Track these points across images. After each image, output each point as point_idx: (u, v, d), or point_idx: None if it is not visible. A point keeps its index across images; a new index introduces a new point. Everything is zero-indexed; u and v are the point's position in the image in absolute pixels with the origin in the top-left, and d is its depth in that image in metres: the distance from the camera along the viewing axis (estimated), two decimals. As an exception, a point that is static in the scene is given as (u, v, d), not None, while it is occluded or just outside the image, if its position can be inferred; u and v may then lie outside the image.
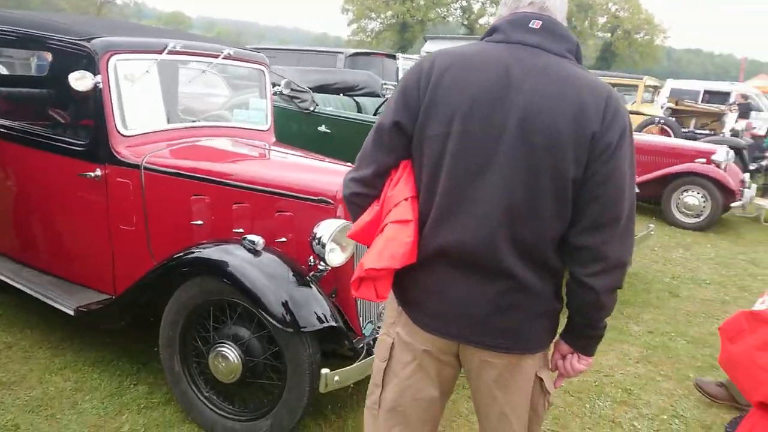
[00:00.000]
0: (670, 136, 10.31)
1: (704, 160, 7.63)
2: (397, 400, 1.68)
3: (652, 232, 5.40)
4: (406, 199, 1.53)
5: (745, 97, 13.76)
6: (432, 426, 1.74)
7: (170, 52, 3.38)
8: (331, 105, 5.67)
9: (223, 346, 2.67)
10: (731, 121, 10.72)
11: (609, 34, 58.17)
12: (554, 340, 1.66)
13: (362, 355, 2.65)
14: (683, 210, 7.75)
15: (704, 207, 7.60)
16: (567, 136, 1.40)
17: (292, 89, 5.54)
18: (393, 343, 1.67)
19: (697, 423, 3.19)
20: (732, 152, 8.06)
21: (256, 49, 7.25)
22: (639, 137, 8.53)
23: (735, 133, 10.52)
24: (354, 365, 2.53)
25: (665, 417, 3.23)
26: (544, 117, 1.40)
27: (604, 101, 1.42)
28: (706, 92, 20.88)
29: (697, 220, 7.61)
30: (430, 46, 18.78)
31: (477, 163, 1.45)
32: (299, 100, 5.58)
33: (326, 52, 11.40)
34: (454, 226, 1.48)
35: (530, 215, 1.44)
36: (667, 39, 60.21)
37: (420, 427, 1.70)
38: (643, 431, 3.10)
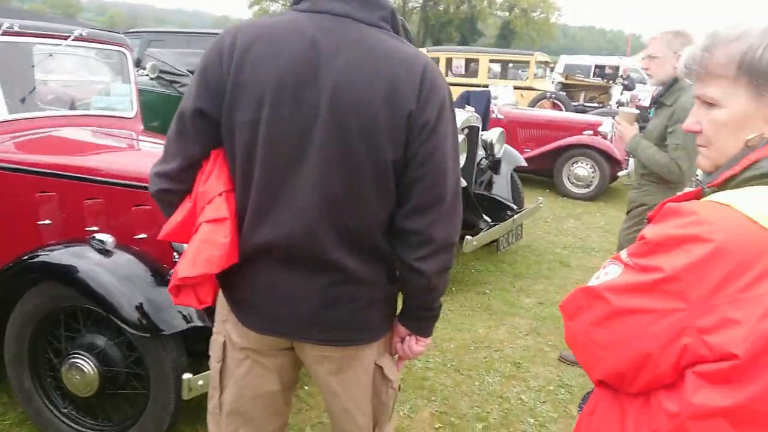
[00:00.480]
0: (561, 110, 10.65)
1: (591, 132, 7.90)
2: (236, 402, 1.56)
3: (541, 205, 5.51)
4: (220, 195, 1.38)
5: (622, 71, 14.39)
6: (279, 420, 1.65)
7: (6, 33, 3.03)
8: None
9: (77, 357, 2.43)
10: (617, 93, 11.20)
11: (507, 13, 59.74)
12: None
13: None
14: (574, 181, 8.01)
15: (593, 177, 7.89)
16: (382, 117, 1.29)
17: (162, 72, 5.21)
18: (225, 342, 1.54)
19: (582, 391, 3.25)
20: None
21: (136, 32, 6.81)
22: (531, 112, 8.74)
23: (621, 105, 11.00)
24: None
25: (551, 388, 3.28)
26: (357, 97, 1.29)
27: (420, 76, 1.32)
28: (596, 67, 21.97)
29: (587, 190, 7.88)
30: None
31: (290, 152, 1.32)
32: (179, 85, 5.26)
33: (214, 34, 10.92)
34: (273, 222, 1.35)
35: (352, 203, 1.34)
36: (561, 17, 62.54)
37: (265, 424, 1.60)
38: (530, 404, 3.12)
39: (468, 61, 11.49)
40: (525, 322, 4.06)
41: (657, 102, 3.05)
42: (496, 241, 4.65)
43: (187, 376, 2.28)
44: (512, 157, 5.56)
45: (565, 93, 11.55)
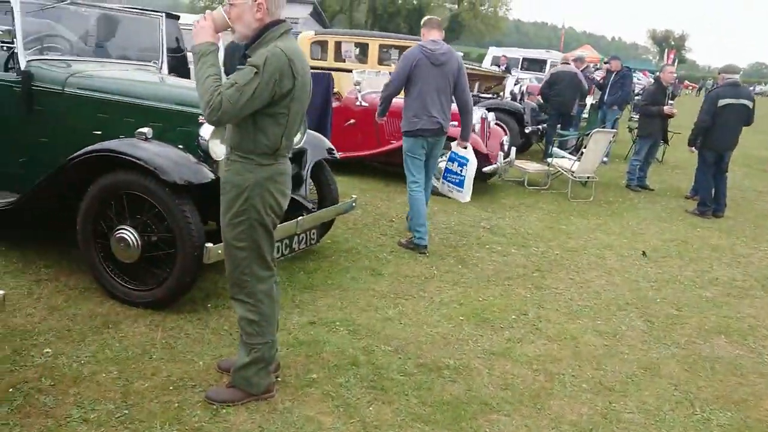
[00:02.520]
0: (451, 100, 10.00)
1: (456, 123, 7.22)
2: None
3: (354, 204, 4.79)
4: None
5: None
6: None
7: None
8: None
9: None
10: (510, 84, 10.62)
11: (455, 5, 59.29)
12: None
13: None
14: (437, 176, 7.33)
15: (458, 172, 7.21)
16: None
17: None
18: None
19: None
20: (490, 114, 7.78)
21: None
22: (396, 100, 8.00)
23: (513, 97, 10.44)
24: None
25: None
26: None
27: None
28: (524, 59, 21.62)
29: (451, 186, 7.20)
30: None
31: None
32: None
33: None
34: None
35: None
36: (509, 11, 62.45)
37: None
38: None
39: (359, 47, 10.74)
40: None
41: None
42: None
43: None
44: (320, 147, 4.81)
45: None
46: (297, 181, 4.56)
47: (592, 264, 5.42)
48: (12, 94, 4.07)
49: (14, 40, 3.97)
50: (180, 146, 3.72)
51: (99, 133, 3.94)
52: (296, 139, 4.47)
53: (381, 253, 5.10)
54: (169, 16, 10.56)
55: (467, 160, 5.59)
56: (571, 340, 3.85)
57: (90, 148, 3.54)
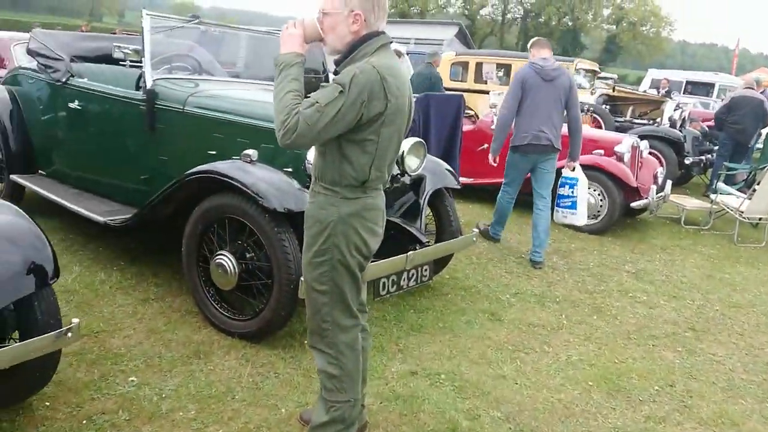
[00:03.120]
0: (600, 126, 9.17)
1: (603, 152, 6.51)
2: None
3: (474, 239, 4.34)
4: None
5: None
6: None
7: None
8: (100, 78, 4.63)
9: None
10: (669, 109, 9.54)
11: (614, 26, 56.50)
12: None
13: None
14: (579, 210, 6.63)
15: (602, 206, 6.49)
16: None
17: (39, 55, 4.55)
18: None
19: None
20: (643, 142, 6.94)
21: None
22: None
23: (672, 123, 9.36)
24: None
25: None
26: None
27: None
28: (688, 83, 19.77)
29: (594, 221, 6.48)
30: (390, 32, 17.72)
31: None
32: (52, 70, 4.57)
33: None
34: None
35: None
36: (673, 31, 58.36)
37: None
38: None
39: (502, 68, 10.26)
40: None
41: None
42: (373, 283, 3.56)
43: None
44: (440, 175, 4.41)
45: (609, 107, 10.00)
46: (413, 212, 4.22)
47: (763, 326, 4.50)
48: (139, 113, 4.13)
49: (142, 59, 4.02)
50: (289, 170, 3.53)
51: (214, 153, 3.87)
52: (413, 164, 4.15)
53: (504, 295, 4.59)
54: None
55: (577, 180, 5.51)
56: (731, 426, 3.11)
57: (195, 169, 3.43)
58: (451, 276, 4.83)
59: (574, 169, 5.45)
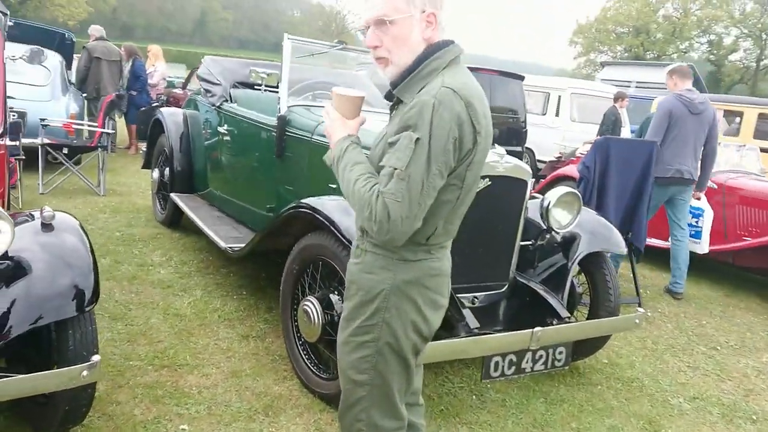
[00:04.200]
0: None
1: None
2: None
3: (637, 321, 3.41)
4: None
5: None
6: None
7: None
8: (250, 103, 4.60)
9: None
10: None
11: None
12: None
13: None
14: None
15: None
16: None
17: (202, 80, 4.66)
18: None
19: None
20: None
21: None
22: (745, 182, 5.97)
23: None
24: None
25: None
26: None
27: None
28: None
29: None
30: (608, 73, 16.42)
31: None
32: (210, 94, 4.66)
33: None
34: None
35: None
36: None
37: None
38: None
39: (730, 115, 8.65)
40: None
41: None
42: (484, 360, 2.89)
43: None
44: (600, 235, 3.56)
45: None
46: (558, 278, 3.45)
47: None
48: (272, 139, 3.97)
49: (279, 84, 3.86)
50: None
51: (334, 186, 3.54)
52: (562, 219, 3.41)
53: (676, 397, 3.54)
54: (509, 75, 10.31)
55: (702, 211, 5.52)
56: None
57: (293, 203, 3.10)
58: (611, 360, 3.90)
59: (699, 199, 5.42)
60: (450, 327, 3.02)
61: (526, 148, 10.46)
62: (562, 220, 3.43)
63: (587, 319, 3.60)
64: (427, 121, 1.53)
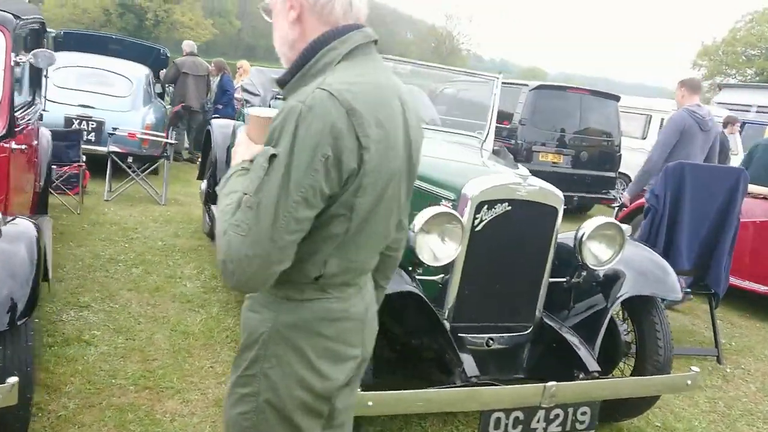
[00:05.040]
0: None
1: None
2: None
3: (689, 382, 2.81)
4: None
5: None
6: None
7: None
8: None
9: None
10: None
11: None
12: None
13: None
14: None
15: None
16: None
17: (244, 91, 4.55)
18: None
19: None
20: None
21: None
22: None
23: None
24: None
25: None
26: None
27: None
28: None
29: None
30: (726, 96, 14.99)
31: None
32: (249, 104, 4.54)
33: (512, 84, 9.95)
34: None
35: None
36: None
37: None
38: None
39: None
40: None
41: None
42: (482, 415, 2.45)
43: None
44: (652, 275, 3.01)
45: None
46: (593, 324, 2.94)
47: None
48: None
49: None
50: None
51: None
52: (602, 255, 2.91)
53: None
54: (602, 94, 9.56)
55: None
56: None
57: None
58: (665, 424, 3.30)
59: None
60: (448, 372, 2.63)
61: (620, 173, 9.65)
62: (600, 255, 2.92)
63: (632, 373, 3.06)
64: (290, 132, 1.17)
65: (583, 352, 2.77)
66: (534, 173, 2.89)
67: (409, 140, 1.37)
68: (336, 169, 1.19)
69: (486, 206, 2.69)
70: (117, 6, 48.57)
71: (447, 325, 2.70)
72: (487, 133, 4.08)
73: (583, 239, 2.86)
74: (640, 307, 3.04)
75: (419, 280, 2.71)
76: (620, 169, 9.55)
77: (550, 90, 9.23)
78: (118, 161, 6.23)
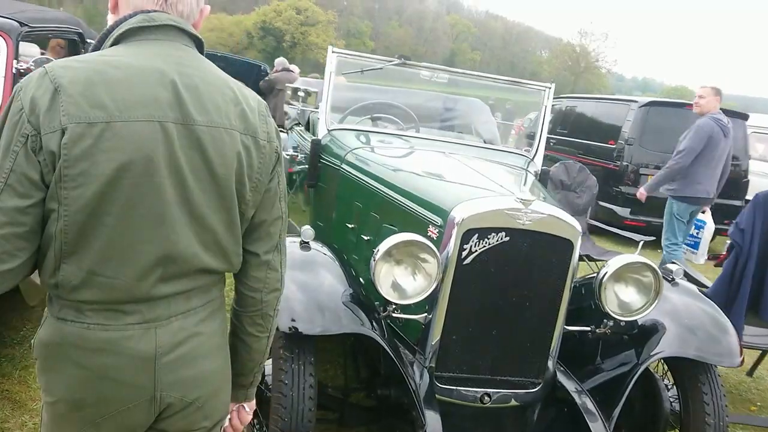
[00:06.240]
0: None
1: None
2: None
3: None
4: None
5: None
6: None
7: None
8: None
9: None
10: None
11: None
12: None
13: None
14: None
15: None
16: None
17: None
18: None
19: None
20: None
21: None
22: None
23: None
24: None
25: None
26: None
27: None
28: None
29: None
30: None
31: None
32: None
33: (619, 100, 9.13)
34: None
35: None
36: None
37: None
38: None
39: None
40: None
41: None
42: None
43: None
44: (702, 336, 2.37)
45: None
46: (615, 387, 2.37)
47: None
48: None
49: (319, 104, 3.37)
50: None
51: (352, 227, 2.94)
52: (634, 303, 2.35)
53: None
54: (728, 113, 8.40)
55: (704, 224, 5.55)
56: None
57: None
58: None
59: (705, 212, 5.51)
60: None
61: (747, 201, 8.44)
62: (628, 303, 2.35)
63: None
64: (4, 112, 1.06)
65: (594, 425, 2.21)
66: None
67: (192, 138, 1.11)
68: (37, 152, 1.03)
69: (476, 235, 2.24)
70: (258, 30, 51.80)
71: (417, 374, 2.27)
72: (536, 151, 3.57)
73: (604, 281, 2.31)
74: (688, 372, 2.42)
75: (398, 319, 2.32)
76: (747, 197, 8.37)
77: (663, 107, 8.30)
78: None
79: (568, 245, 2.30)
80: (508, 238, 2.24)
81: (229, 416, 1.40)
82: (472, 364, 2.36)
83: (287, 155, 4.09)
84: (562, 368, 2.48)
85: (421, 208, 2.45)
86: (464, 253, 2.24)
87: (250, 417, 1.45)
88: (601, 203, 7.73)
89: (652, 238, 5.67)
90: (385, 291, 2.16)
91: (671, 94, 76.37)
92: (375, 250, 2.13)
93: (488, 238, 2.24)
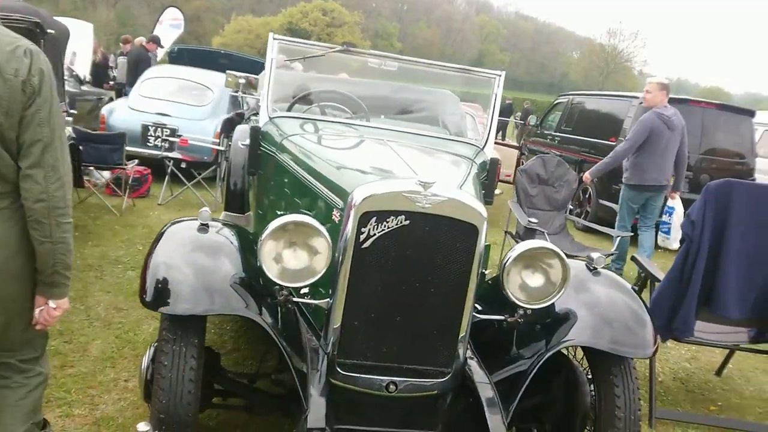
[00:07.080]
0: None
1: None
2: None
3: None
4: None
5: None
6: None
7: None
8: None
9: None
10: None
11: None
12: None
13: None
14: None
15: None
16: None
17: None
18: None
19: None
20: None
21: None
22: None
23: None
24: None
25: None
26: None
27: None
28: None
29: None
30: None
31: None
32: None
33: (620, 96, 8.97)
34: None
35: None
36: None
37: None
38: None
39: None
40: None
41: None
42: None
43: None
44: (618, 327, 2.26)
45: None
46: (517, 381, 2.28)
47: None
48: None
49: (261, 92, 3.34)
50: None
51: (281, 214, 2.90)
52: (536, 291, 2.27)
53: None
54: (733, 109, 8.12)
55: (673, 209, 5.89)
56: None
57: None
58: None
59: (674, 198, 5.90)
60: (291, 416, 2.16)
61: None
62: (535, 289, 2.26)
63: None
64: None
65: (495, 417, 2.13)
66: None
67: None
68: None
69: (375, 218, 2.17)
70: (285, 31, 52.24)
71: (319, 360, 2.22)
72: (486, 140, 3.49)
73: (507, 265, 2.23)
74: (602, 366, 2.32)
75: (301, 304, 2.28)
76: (754, 197, 8.09)
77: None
78: (172, 167, 6.37)
79: (473, 230, 2.22)
80: (408, 222, 2.17)
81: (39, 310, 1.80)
82: (377, 352, 2.29)
83: (242, 145, 4.07)
84: (475, 358, 2.40)
85: (328, 191, 2.41)
86: (362, 237, 2.18)
87: (56, 314, 1.82)
88: (602, 201, 7.57)
89: (630, 234, 5.52)
90: (273, 274, 2.11)
91: (706, 96, 74.69)
92: (262, 233, 2.10)
93: (387, 222, 2.17)
